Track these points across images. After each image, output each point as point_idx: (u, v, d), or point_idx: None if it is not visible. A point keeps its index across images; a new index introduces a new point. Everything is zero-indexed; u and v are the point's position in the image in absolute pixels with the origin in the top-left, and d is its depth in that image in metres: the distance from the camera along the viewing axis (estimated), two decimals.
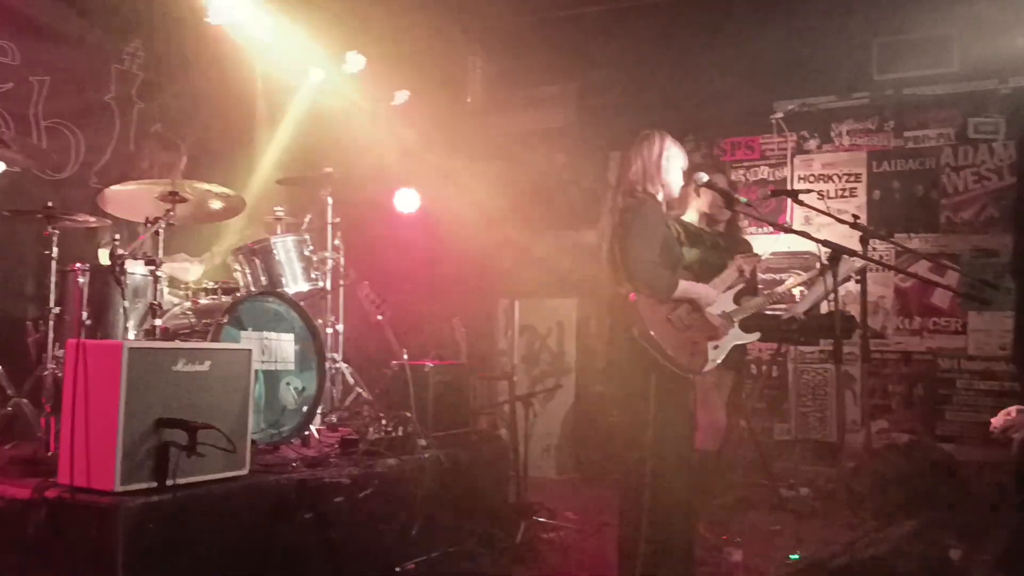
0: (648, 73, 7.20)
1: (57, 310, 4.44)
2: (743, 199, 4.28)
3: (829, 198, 6.77)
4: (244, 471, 3.79)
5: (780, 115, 6.95)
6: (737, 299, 4.22)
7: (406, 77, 7.66)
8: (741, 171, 7.17)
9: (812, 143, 6.98)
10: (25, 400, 4.46)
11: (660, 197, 3.94)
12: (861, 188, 6.75)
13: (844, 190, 6.79)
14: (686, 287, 3.89)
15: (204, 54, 6.46)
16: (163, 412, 3.48)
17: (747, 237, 5.74)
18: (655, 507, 3.67)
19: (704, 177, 4.09)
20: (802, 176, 6.96)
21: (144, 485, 3.41)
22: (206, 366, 3.69)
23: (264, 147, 7.17)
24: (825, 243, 3.88)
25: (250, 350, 3.96)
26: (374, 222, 7.49)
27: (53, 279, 4.45)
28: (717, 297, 4.06)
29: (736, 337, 4.12)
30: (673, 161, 3.97)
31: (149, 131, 6.11)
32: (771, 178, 7.08)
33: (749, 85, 6.92)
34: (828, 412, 6.66)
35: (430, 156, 7.90)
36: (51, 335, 4.40)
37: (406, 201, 7.95)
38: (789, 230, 4.58)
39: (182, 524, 3.41)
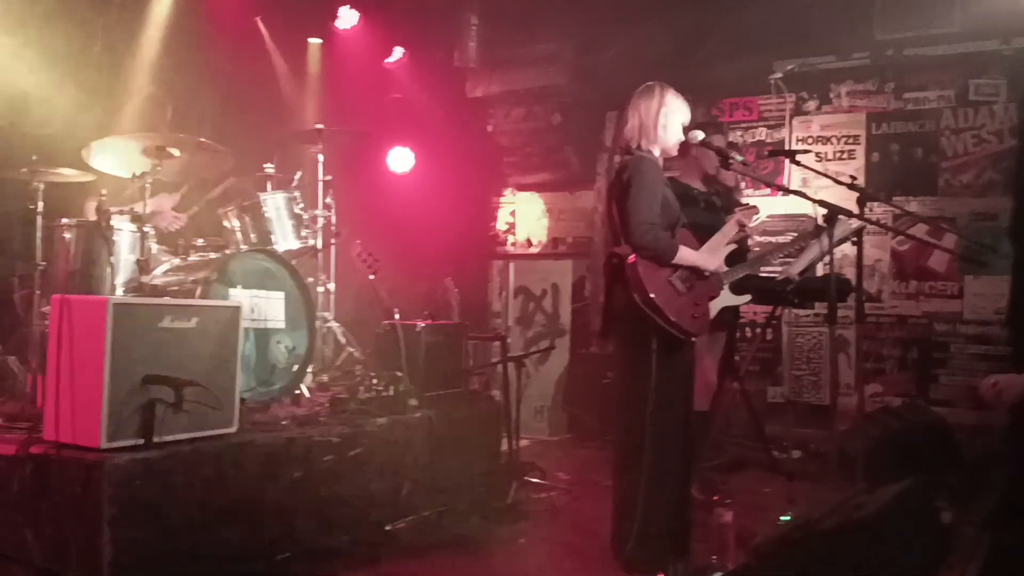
0: (646, 32, 7.07)
1: (43, 265, 4.39)
2: (739, 157, 4.22)
3: (827, 160, 6.70)
4: (232, 429, 3.77)
5: (779, 75, 6.85)
6: (729, 260, 4.15)
7: (401, 34, 7.56)
8: (739, 132, 7.08)
9: (811, 104, 6.89)
10: (12, 356, 4.43)
11: (657, 154, 3.84)
12: (860, 150, 6.68)
13: (842, 152, 6.72)
14: (684, 254, 3.76)
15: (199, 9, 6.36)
16: (149, 369, 3.45)
17: (744, 200, 5.69)
18: (654, 468, 3.64)
19: (699, 135, 4.00)
20: (800, 138, 6.88)
21: (130, 442, 3.38)
22: (193, 323, 3.65)
23: (258, 104, 7.09)
24: (822, 203, 3.83)
25: (238, 307, 3.92)
26: (367, 180, 7.43)
27: (39, 234, 4.39)
28: (719, 261, 3.96)
29: (725, 299, 4.08)
30: (673, 116, 3.84)
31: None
32: (769, 140, 7.00)
33: (748, 45, 6.80)
34: (822, 375, 6.65)
35: (424, 114, 7.82)
36: (37, 291, 4.35)
37: (400, 160, 7.90)
38: (786, 190, 4.53)
39: (169, 482, 3.40)
